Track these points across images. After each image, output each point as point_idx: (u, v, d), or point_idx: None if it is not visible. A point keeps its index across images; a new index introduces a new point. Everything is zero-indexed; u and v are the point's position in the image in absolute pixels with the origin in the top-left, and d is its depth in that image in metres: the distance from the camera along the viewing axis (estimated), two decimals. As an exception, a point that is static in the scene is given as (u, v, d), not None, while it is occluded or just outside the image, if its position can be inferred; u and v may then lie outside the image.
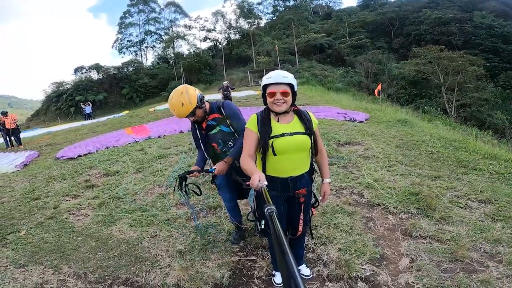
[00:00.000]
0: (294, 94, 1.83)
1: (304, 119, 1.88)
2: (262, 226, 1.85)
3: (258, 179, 1.51)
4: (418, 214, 3.01)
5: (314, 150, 1.95)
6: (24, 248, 3.06)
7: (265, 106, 1.92)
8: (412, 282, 2.11)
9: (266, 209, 1.20)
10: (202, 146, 2.50)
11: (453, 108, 22.63)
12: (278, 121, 1.85)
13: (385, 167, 4.33)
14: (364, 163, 4.56)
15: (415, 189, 3.48)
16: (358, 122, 7.83)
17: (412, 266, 2.27)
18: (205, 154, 2.52)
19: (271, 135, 1.80)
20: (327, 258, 2.43)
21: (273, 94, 1.79)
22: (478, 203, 3.18)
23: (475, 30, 35.39)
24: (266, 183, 1.51)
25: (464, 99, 22.85)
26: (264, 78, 1.85)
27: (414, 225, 2.77)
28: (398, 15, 43.62)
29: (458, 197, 3.32)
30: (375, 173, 4.12)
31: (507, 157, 4.47)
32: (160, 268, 2.50)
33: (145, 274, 2.44)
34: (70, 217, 3.71)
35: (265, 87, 1.83)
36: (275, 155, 1.80)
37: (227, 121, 2.39)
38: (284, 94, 1.78)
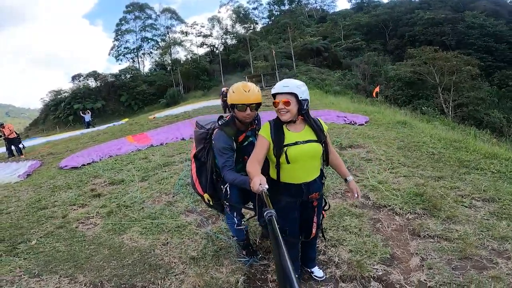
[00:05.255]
0: (300, 103, 1.83)
1: (315, 127, 1.92)
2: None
3: (259, 183, 1.53)
4: (424, 214, 3.08)
5: (326, 157, 2.00)
6: (36, 257, 3.08)
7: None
8: (424, 280, 2.18)
9: (266, 212, 1.22)
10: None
11: (450, 108, 22.85)
12: (289, 130, 1.89)
13: (388, 169, 4.40)
14: (367, 165, 4.62)
15: (420, 190, 3.55)
16: (358, 125, 7.89)
17: (423, 265, 2.33)
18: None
19: (284, 143, 1.84)
20: (338, 260, 2.49)
21: (276, 104, 1.86)
22: (482, 202, 3.25)
23: (467, 30, 35.95)
24: (267, 186, 1.53)
25: (460, 99, 23.09)
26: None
27: (421, 225, 2.84)
28: (392, 17, 44.20)
29: (462, 196, 3.40)
30: (379, 175, 4.19)
31: (507, 156, 4.55)
32: (175, 275, 2.54)
33: (161, 282, 2.48)
34: (80, 226, 3.74)
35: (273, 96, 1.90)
36: (288, 163, 1.84)
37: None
38: (286, 103, 1.81)
